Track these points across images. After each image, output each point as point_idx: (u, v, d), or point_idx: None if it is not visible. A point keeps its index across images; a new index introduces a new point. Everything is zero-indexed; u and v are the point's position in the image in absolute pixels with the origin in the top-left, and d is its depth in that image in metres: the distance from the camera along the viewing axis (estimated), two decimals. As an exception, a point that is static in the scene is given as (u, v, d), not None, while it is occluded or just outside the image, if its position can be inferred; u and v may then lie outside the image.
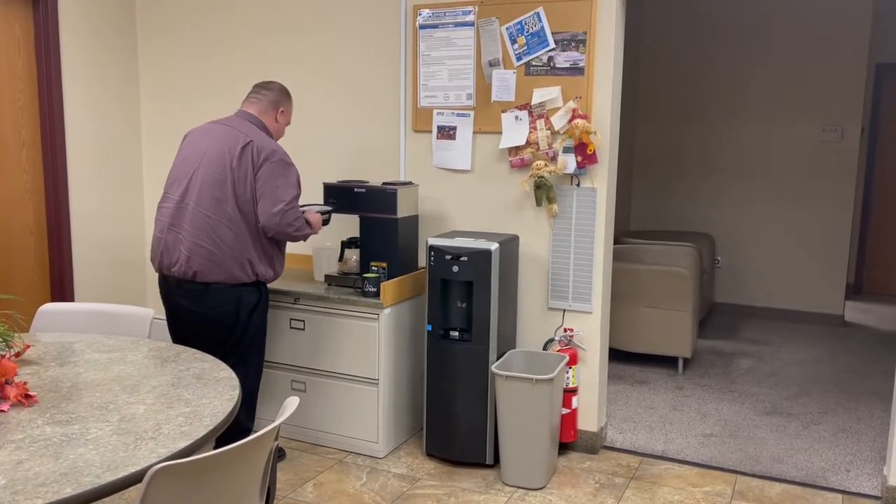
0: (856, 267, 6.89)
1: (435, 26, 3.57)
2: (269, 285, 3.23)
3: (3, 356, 2.04)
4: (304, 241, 3.16)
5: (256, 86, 3.18)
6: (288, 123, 3.25)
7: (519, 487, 3.19)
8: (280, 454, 3.39)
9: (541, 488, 3.19)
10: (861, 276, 6.96)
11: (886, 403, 4.22)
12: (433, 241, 3.31)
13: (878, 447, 3.63)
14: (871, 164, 6.77)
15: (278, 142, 3.27)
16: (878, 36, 5.98)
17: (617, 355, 4.86)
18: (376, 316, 3.35)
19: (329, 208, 3.38)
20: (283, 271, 3.23)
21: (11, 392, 1.88)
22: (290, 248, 4.05)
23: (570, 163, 3.37)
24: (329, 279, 3.60)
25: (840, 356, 5.13)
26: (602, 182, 3.38)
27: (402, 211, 3.42)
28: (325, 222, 3.34)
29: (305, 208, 3.22)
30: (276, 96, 3.15)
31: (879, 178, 6.76)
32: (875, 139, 6.71)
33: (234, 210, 2.92)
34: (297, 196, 3.02)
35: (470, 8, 3.49)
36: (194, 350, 2.38)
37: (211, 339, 3.01)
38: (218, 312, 2.99)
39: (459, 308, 3.31)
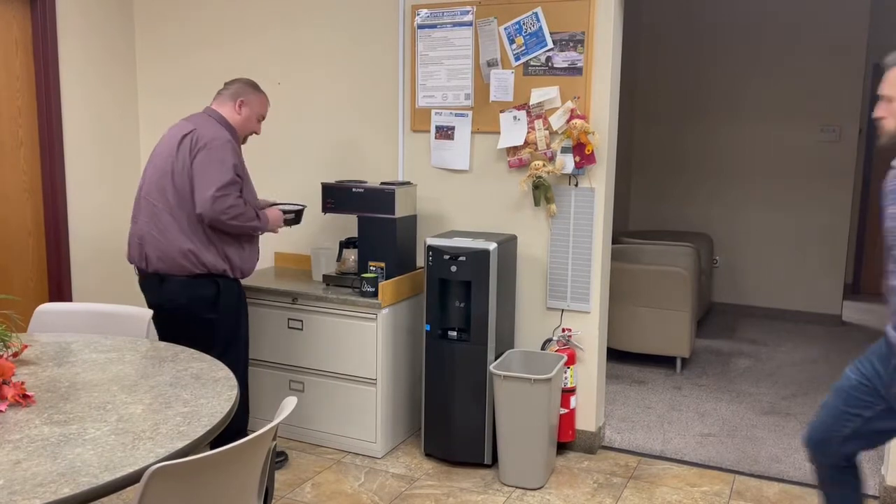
0: (854, 267, 6.90)
1: (433, 26, 3.57)
2: (267, 286, 3.22)
3: (1, 356, 2.04)
4: (254, 233, 3.07)
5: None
6: (260, 117, 3.17)
7: (517, 487, 3.19)
8: (282, 458, 3.38)
9: (539, 488, 3.19)
10: (859, 276, 6.97)
11: (884, 403, 4.22)
12: (431, 241, 3.30)
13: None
14: (869, 164, 6.78)
15: (247, 138, 3.19)
16: (875, 36, 5.99)
17: (615, 355, 4.86)
18: (374, 316, 3.35)
19: (298, 208, 3.33)
20: (252, 266, 3.13)
21: (9, 392, 1.88)
22: (288, 247, 4.05)
23: (568, 163, 3.37)
24: (327, 279, 3.60)
25: (838, 356, 5.13)
26: (600, 182, 3.38)
27: (401, 211, 3.42)
28: (291, 222, 3.28)
29: (277, 206, 3.25)
30: (235, 89, 3.11)
31: (877, 177, 6.77)
32: (873, 139, 6.72)
33: (174, 198, 2.92)
34: (232, 183, 2.90)
35: (468, 8, 3.49)
36: (192, 350, 2.38)
37: (183, 336, 2.96)
38: (173, 306, 2.99)
39: (458, 308, 3.31)
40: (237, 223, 2.93)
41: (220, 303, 3.03)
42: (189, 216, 2.92)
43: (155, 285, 3.00)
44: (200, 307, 3.01)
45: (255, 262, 3.17)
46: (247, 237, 3.07)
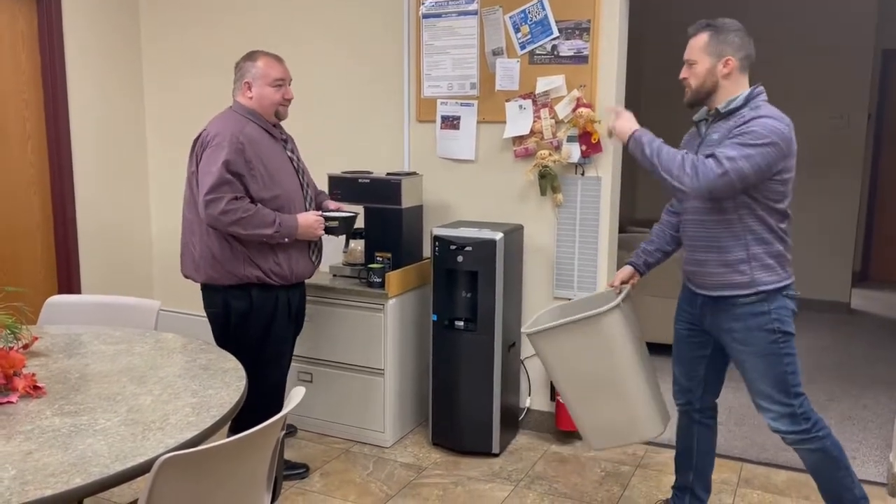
0: (862, 254, 6.86)
1: (438, 15, 3.56)
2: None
3: (12, 348, 2.05)
4: (269, 241, 2.77)
5: None
6: (276, 83, 2.84)
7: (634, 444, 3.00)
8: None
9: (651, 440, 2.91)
10: (867, 264, 6.93)
11: (892, 391, 4.22)
12: (438, 232, 3.30)
13: (884, 434, 3.62)
14: (878, 151, 6.73)
15: (284, 112, 2.93)
16: (884, 22, 5.93)
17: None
18: (381, 306, 3.35)
19: (344, 215, 2.99)
20: (299, 270, 2.91)
21: (20, 384, 1.89)
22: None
23: (574, 152, 3.36)
24: (334, 270, 3.61)
25: (846, 344, 5.12)
26: (607, 171, 3.37)
27: (407, 201, 3.42)
28: (335, 231, 2.95)
29: (320, 213, 2.95)
30: (239, 72, 2.89)
31: (886, 164, 6.73)
32: (882, 126, 6.67)
33: (196, 206, 2.80)
34: (223, 183, 2.67)
35: (473, -3, 3.47)
36: (201, 341, 2.39)
37: (221, 343, 2.88)
38: (212, 313, 2.93)
39: (464, 298, 3.32)
40: (239, 230, 2.71)
41: (254, 316, 2.87)
42: (205, 223, 2.78)
43: (201, 293, 2.93)
44: (235, 318, 2.87)
45: (302, 266, 2.92)
46: (274, 244, 2.81)
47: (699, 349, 2.63)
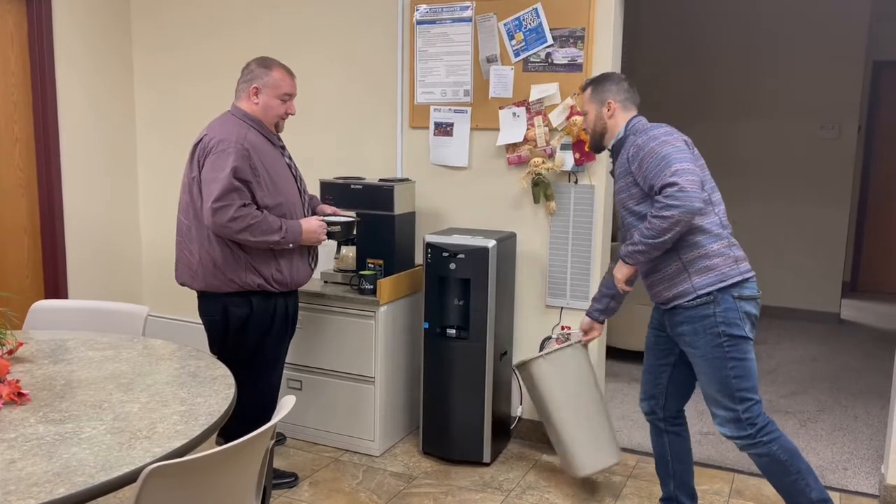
0: (852, 264, 6.89)
1: (432, 22, 3.55)
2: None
3: (-4, 354, 2.02)
4: (276, 247, 2.77)
5: None
6: (284, 97, 2.83)
7: (600, 472, 3.12)
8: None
9: (614, 464, 3.07)
10: (857, 274, 6.96)
11: (883, 401, 4.22)
12: (430, 239, 3.29)
13: (876, 445, 3.62)
14: (868, 162, 6.77)
15: (282, 125, 2.91)
16: (875, 33, 5.97)
17: (614, 353, 4.85)
18: (373, 313, 3.33)
19: (345, 219, 3.01)
20: (299, 277, 2.91)
21: (4, 390, 1.86)
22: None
23: (567, 160, 3.35)
24: (325, 276, 3.58)
25: (836, 354, 5.12)
26: (600, 179, 3.37)
27: (399, 208, 3.40)
28: (336, 235, 2.95)
29: (321, 217, 2.97)
30: (248, 74, 2.83)
31: (876, 175, 6.76)
32: (872, 136, 6.71)
33: (195, 213, 2.75)
34: (232, 190, 2.64)
35: (468, 3, 3.46)
36: (190, 348, 2.36)
37: (216, 350, 2.88)
38: (210, 321, 2.89)
39: (456, 306, 3.29)
40: (247, 237, 2.68)
41: (254, 321, 2.85)
42: (211, 230, 2.73)
43: (198, 301, 2.89)
44: (234, 326, 2.84)
45: (302, 273, 2.92)
46: (276, 249, 2.80)
47: (663, 357, 2.72)
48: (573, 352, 3.02)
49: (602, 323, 2.93)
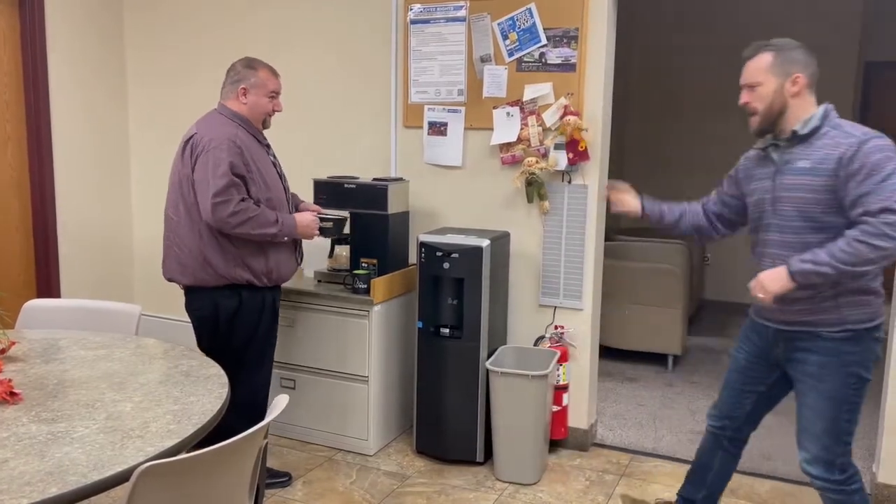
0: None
1: (426, 21, 3.55)
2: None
3: (-12, 353, 2.01)
4: (273, 240, 2.83)
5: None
6: (272, 94, 2.90)
7: (511, 483, 3.18)
8: (283, 481, 3.31)
9: (533, 484, 3.18)
10: (849, 274, 6.97)
11: (875, 400, 4.23)
12: (424, 238, 3.29)
13: (867, 444, 3.64)
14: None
15: (269, 122, 2.98)
16: (867, 34, 6.00)
17: (607, 352, 4.85)
18: (366, 313, 3.33)
19: (336, 216, 3.08)
20: (286, 272, 2.96)
21: (-4, 390, 1.86)
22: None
23: (561, 159, 3.36)
24: (319, 276, 3.58)
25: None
26: (593, 179, 3.37)
27: (393, 207, 3.40)
28: (327, 232, 3.05)
29: (321, 214, 3.04)
30: (234, 76, 2.89)
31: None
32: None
33: (185, 209, 2.80)
34: (230, 185, 2.70)
35: (461, 3, 3.47)
36: (183, 347, 2.36)
37: (205, 346, 2.90)
38: (198, 316, 2.90)
39: (450, 305, 3.30)
40: (247, 230, 2.74)
41: (242, 314, 2.88)
42: (202, 226, 2.77)
43: (185, 296, 2.91)
44: (224, 319, 2.86)
45: (288, 268, 2.97)
46: (270, 242, 2.86)
47: (752, 384, 2.49)
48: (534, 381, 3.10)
49: (640, 204, 2.61)
